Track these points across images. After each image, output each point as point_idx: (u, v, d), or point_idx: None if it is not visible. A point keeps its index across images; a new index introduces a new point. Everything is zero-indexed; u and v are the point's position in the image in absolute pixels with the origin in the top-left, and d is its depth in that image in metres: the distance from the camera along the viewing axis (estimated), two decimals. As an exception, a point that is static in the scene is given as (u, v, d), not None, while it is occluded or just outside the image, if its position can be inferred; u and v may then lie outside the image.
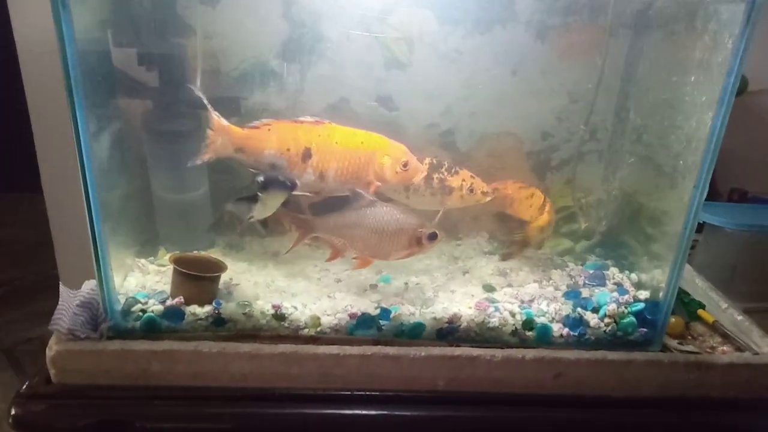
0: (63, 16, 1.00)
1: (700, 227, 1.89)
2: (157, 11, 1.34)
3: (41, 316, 1.32)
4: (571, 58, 1.44)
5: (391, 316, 1.24)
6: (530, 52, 1.43)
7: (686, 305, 1.40)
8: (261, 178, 1.18)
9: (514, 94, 1.46)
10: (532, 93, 1.47)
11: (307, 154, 1.22)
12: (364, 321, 1.23)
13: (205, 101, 1.20)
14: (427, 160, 1.38)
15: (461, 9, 1.39)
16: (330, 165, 1.24)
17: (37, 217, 1.71)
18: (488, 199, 1.38)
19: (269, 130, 1.21)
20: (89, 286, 1.29)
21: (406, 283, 1.40)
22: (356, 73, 1.42)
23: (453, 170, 1.38)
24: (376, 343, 1.21)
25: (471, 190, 1.37)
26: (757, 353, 1.24)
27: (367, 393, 1.19)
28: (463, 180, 1.37)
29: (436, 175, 1.37)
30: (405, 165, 1.26)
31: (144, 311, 1.22)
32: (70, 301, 1.24)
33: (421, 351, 1.19)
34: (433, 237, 1.27)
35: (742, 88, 1.38)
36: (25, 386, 1.18)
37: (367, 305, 1.27)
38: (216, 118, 1.21)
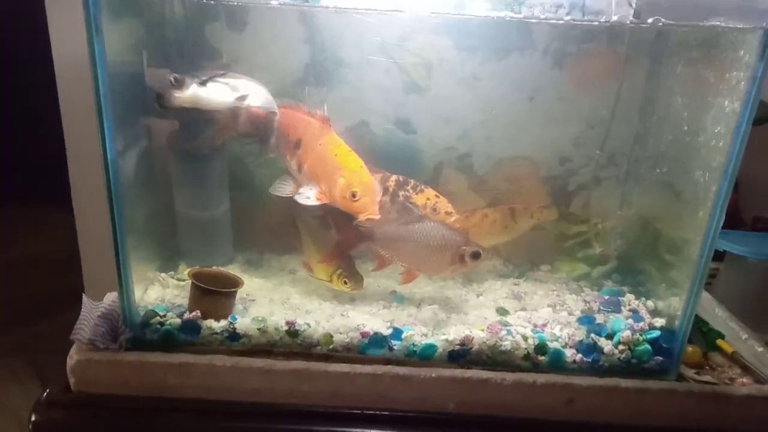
0: (96, 40, 1.04)
1: (722, 256, 1.85)
2: (187, 35, 1.39)
3: (68, 328, 1.32)
4: (589, 85, 1.45)
5: (403, 336, 1.24)
6: (547, 78, 1.43)
7: (705, 335, 1.37)
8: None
9: (531, 120, 1.47)
10: (549, 119, 1.47)
11: (297, 144, 1.31)
12: (376, 340, 1.23)
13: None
14: (393, 177, 1.40)
15: (479, 36, 1.41)
16: (307, 161, 1.30)
17: (70, 230, 1.75)
18: (451, 219, 1.38)
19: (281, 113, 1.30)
20: (111, 297, 1.31)
21: (419, 304, 1.40)
22: (375, 96, 1.45)
23: (418, 188, 1.39)
24: (387, 362, 1.21)
25: (434, 210, 1.37)
26: (777, 386, 1.20)
27: (377, 412, 1.19)
28: (428, 199, 1.38)
29: (401, 193, 1.38)
30: (353, 195, 1.24)
31: (162, 324, 1.24)
32: (92, 311, 1.26)
33: (432, 372, 1.18)
34: (476, 256, 1.28)
35: (765, 117, 1.36)
36: (45, 394, 1.20)
37: (380, 325, 1.28)
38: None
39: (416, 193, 1.38)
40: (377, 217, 1.26)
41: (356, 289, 1.36)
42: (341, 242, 1.36)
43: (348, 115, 1.43)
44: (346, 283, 1.35)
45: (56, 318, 2.62)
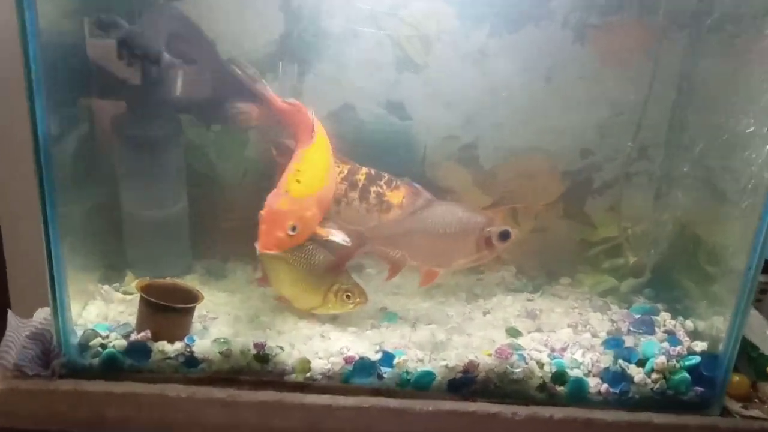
0: (26, 4, 1.04)
1: (773, 268, 1.87)
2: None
3: None
4: (616, 63, 1.46)
5: (395, 362, 1.24)
6: (567, 55, 1.45)
7: (754, 361, 1.38)
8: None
9: (547, 104, 1.48)
10: (569, 103, 1.49)
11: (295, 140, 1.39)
12: (362, 367, 1.24)
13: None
14: (363, 170, 1.42)
15: (487, 3, 1.42)
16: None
17: None
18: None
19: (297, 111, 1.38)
20: (42, 315, 1.31)
21: (414, 323, 1.41)
22: (363, 75, 1.46)
23: (393, 184, 1.41)
24: (375, 393, 1.22)
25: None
26: (838, 422, 1.22)
27: (363, 453, 1.19)
28: (404, 197, 1.39)
29: (373, 188, 1.40)
30: (293, 229, 1.24)
31: (104, 346, 1.24)
32: (18, 331, 1.26)
33: (429, 405, 1.19)
34: (505, 236, 1.29)
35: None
36: (-39, 430, 1.20)
37: (367, 348, 1.28)
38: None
39: (391, 190, 1.40)
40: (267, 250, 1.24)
41: (362, 302, 1.37)
42: (341, 251, 1.36)
43: (330, 98, 1.44)
44: (348, 297, 1.36)
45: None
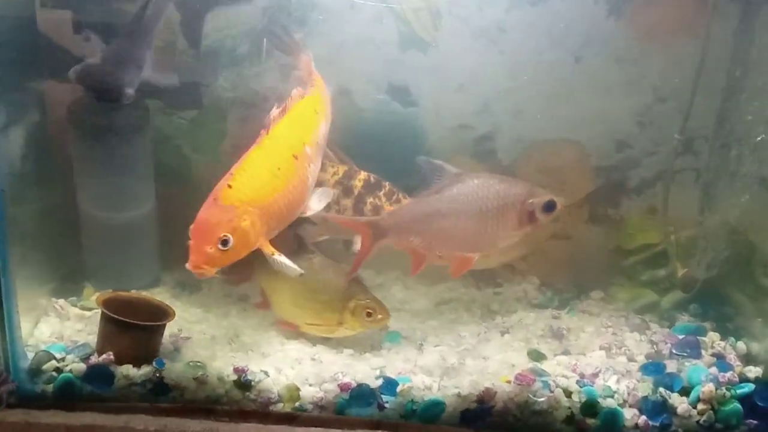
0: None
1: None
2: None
3: None
4: (658, 40, 1.47)
5: (399, 389, 1.24)
6: (600, 30, 1.45)
7: (815, 389, 1.38)
8: None
9: (577, 88, 1.49)
10: (602, 87, 1.50)
11: None
12: (360, 395, 1.24)
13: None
14: (362, 176, 1.42)
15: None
16: None
17: None
18: None
19: None
20: (-13, 334, 1.31)
21: (420, 344, 1.41)
22: (361, 54, 1.46)
23: (394, 197, 1.41)
24: (375, 426, 1.22)
25: None
26: None
27: (361, 497, 1.20)
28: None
29: (370, 199, 1.40)
30: (224, 243, 1.18)
31: (60, 370, 1.24)
32: (-40, 354, 1.26)
33: (438, 440, 1.19)
34: (550, 207, 1.29)
35: None
36: None
37: (366, 373, 1.28)
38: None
39: (390, 203, 1.40)
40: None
41: (385, 319, 1.37)
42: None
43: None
44: (369, 314, 1.35)
45: None
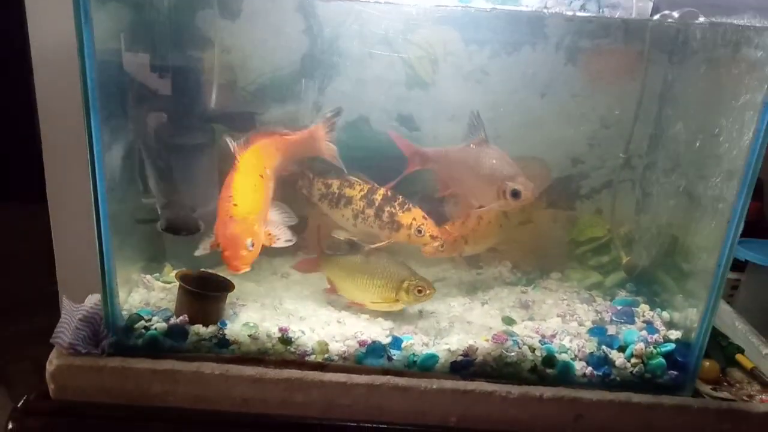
0: (85, 28, 1.09)
1: (743, 266, 1.89)
2: (176, 23, 1.43)
3: (36, 334, 1.38)
4: (604, 82, 1.51)
5: (403, 345, 1.28)
6: (560, 74, 1.49)
7: (723, 349, 1.41)
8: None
9: (542, 119, 1.52)
10: (562, 117, 1.53)
11: None
12: (374, 349, 1.27)
13: None
14: (381, 191, 1.45)
15: (488, 29, 1.46)
16: None
17: (35, 229, 1.77)
18: (436, 244, 1.44)
19: None
20: (93, 300, 1.35)
21: (420, 311, 1.44)
22: (377, 91, 1.50)
23: (405, 207, 1.43)
24: (385, 373, 1.25)
25: (419, 231, 1.41)
26: (799, 404, 1.24)
27: (374, 425, 1.23)
28: (414, 219, 1.42)
29: (387, 209, 1.43)
30: (252, 245, 1.25)
31: (147, 329, 1.27)
32: (72, 314, 1.30)
33: (433, 383, 1.22)
34: (515, 194, 1.32)
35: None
36: (22, 401, 1.24)
37: (378, 333, 1.32)
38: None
39: (403, 212, 1.43)
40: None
41: (432, 293, 1.39)
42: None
43: (347, 111, 1.47)
44: (420, 291, 1.37)
45: (20, 323, 2.65)
